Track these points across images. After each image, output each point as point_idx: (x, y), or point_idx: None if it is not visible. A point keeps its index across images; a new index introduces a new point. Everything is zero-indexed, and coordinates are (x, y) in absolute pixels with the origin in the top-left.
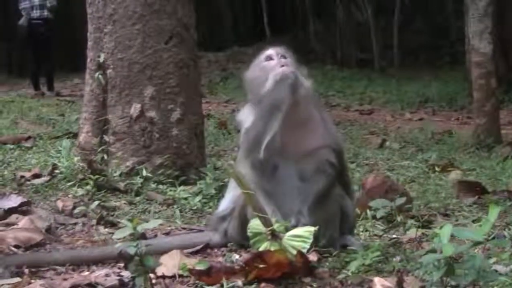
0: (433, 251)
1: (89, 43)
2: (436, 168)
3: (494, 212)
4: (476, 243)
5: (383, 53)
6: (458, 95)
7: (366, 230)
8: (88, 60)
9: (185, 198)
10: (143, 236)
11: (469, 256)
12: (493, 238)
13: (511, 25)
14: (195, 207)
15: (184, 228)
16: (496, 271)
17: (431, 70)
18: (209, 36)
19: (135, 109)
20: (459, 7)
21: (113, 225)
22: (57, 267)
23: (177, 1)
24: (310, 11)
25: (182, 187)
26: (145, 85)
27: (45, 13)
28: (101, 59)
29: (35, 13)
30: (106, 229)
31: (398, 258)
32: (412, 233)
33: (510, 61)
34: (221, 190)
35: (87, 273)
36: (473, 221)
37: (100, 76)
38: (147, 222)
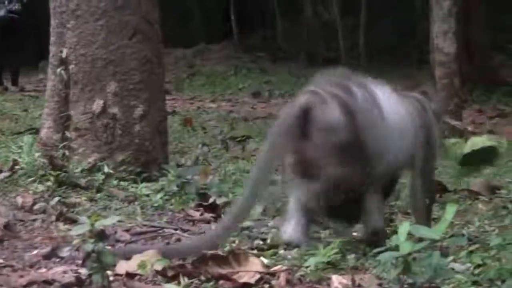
0: (391, 249)
1: (52, 38)
2: None
3: (451, 211)
4: (433, 241)
5: (350, 52)
6: None
7: (327, 228)
8: (51, 55)
9: (147, 195)
10: (102, 233)
11: (427, 254)
12: (452, 236)
13: (476, 26)
14: (156, 204)
15: (144, 225)
16: (453, 269)
17: (397, 69)
18: (176, 32)
19: (97, 105)
20: (426, 7)
21: (73, 221)
22: (14, 263)
23: None
24: (278, 10)
25: (144, 184)
26: (108, 81)
27: (12, 7)
28: (64, 54)
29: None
30: (66, 226)
31: (353, 255)
32: None
33: (474, 61)
34: (183, 187)
35: (44, 270)
36: (434, 220)
37: (62, 71)
38: (106, 218)
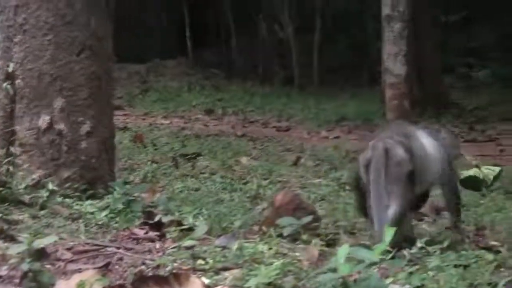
0: (331, 270)
1: None
2: (347, 187)
3: (390, 233)
4: (372, 263)
5: (304, 71)
6: (374, 115)
7: (270, 248)
8: None
9: (92, 213)
10: (41, 252)
11: (366, 275)
12: (393, 257)
13: (426, 49)
14: (101, 222)
15: (87, 243)
16: None
17: (350, 89)
18: (130, 47)
19: (43, 121)
20: (379, 28)
21: (14, 239)
22: None
23: (91, 12)
24: (233, 27)
25: (89, 201)
26: (55, 96)
27: None
28: (10, 69)
29: None
30: (6, 244)
31: (293, 277)
32: (315, 251)
33: (425, 83)
34: (129, 205)
35: None
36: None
37: (8, 86)
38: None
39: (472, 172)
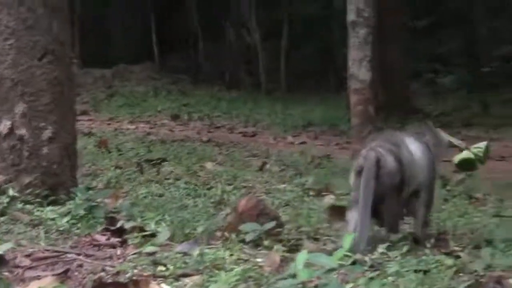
0: (291, 276)
1: None
2: (311, 192)
3: (348, 240)
4: (330, 269)
5: (271, 76)
6: (340, 120)
7: (231, 254)
8: None
9: (53, 219)
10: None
11: (326, 281)
12: (354, 263)
13: (392, 54)
14: (62, 228)
15: (47, 250)
16: None
17: (317, 95)
18: (96, 52)
19: (4, 126)
20: (346, 33)
21: None
22: None
23: (53, 17)
24: (200, 32)
25: (50, 208)
26: (16, 101)
27: None
28: None
29: None
30: None
31: (250, 284)
32: (276, 257)
33: (390, 89)
34: (91, 211)
35: None
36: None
37: None
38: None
39: (464, 154)
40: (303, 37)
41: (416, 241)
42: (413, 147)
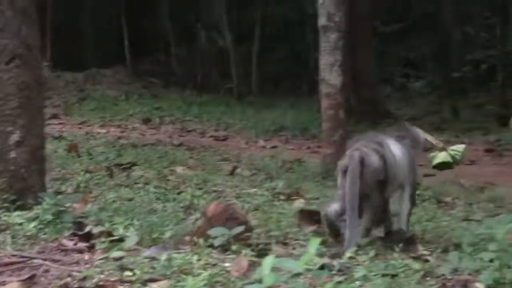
0: (257, 281)
1: None
2: (282, 197)
3: (314, 244)
4: (297, 274)
5: (243, 80)
6: (311, 124)
7: (199, 259)
8: None
9: (20, 224)
10: None
11: (292, 285)
12: (322, 267)
13: (363, 59)
14: (29, 233)
15: (13, 255)
16: None
17: (289, 99)
18: (67, 55)
19: None
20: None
21: None
22: None
23: (22, 21)
24: (172, 35)
25: (17, 212)
26: None
27: None
28: None
29: None
30: None
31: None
32: (244, 262)
33: (361, 94)
34: (59, 216)
35: None
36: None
37: None
38: None
39: (442, 155)
40: (275, 41)
41: (408, 240)
42: (395, 148)
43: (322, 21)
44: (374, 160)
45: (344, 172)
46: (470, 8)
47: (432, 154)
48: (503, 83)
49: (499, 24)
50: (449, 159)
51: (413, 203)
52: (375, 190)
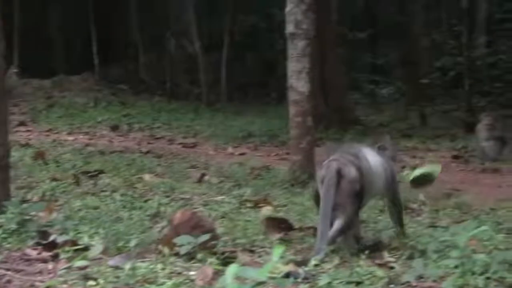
0: None
1: None
2: (249, 204)
3: (277, 252)
4: (260, 282)
5: (212, 87)
6: (280, 131)
7: (164, 268)
8: None
9: None
10: None
11: None
12: (287, 275)
13: (332, 66)
14: None
15: None
16: None
17: (258, 106)
18: (35, 62)
19: None
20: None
21: None
22: None
23: None
24: (141, 42)
25: None
26: None
27: None
28: None
29: None
30: None
31: None
32: (209, 270)
33: (330, 100)
34: (23, 225)
35: None
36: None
37: None
38: None
39: (418, 171)
40: (245, 48)
41: (373, 247)
42: (371, 158)
43: (290, 28)
44: (351, 171)
45: (322, 181)
46: (437, 15)
47: (407, 172)
48: (470, 90)
49: (466, 31)
50: (428, 171)
51: (400, 207)
52: (351, 200)
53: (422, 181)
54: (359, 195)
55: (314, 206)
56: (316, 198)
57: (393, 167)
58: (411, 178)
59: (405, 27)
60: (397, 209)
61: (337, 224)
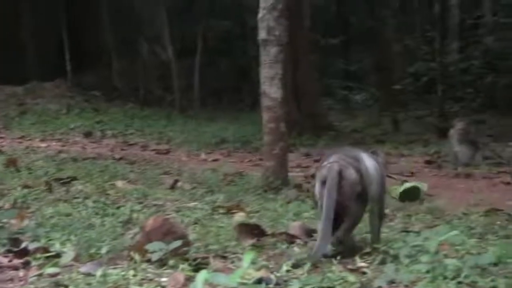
0: None
1: None
2: (221, 210)
3: (248, 258)
4: None
5: (185, 93)
6: (253, 137)
7: (135, 275)
8: None
9: None
10: None
11: None
12: (259, 281)
13: (304, 72)
14: None
15: None
16: None
17: (231, 112)
18: (7, 68)
19: None
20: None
21: None
22: None
23: None
24: (114, 48)
25: None
26: None
27: None
28: None
29: None
30: None
31: None
32: (180, 276)
33: (303, 106)
34: None
35: None
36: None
37: None
38: None
39: (407, 185)
40: (218, 54)
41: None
42: (369, 162)
43: (262, 34)
44: (351, 173)
45: (323, 182)
46: (410, 21)
47: (394, 186)
48: (442, 96)
49: (438, 37)
50: (416, 185)
51: (381, 218)
52: (355, 201)
53: (410, 195)
54: (362, 196)
55: (314, 206)
56: (315, 197)
57: (384, 173)
58: (399, 192)
59: (378, 33)
60: (380, 215)
61: (344, 224)
